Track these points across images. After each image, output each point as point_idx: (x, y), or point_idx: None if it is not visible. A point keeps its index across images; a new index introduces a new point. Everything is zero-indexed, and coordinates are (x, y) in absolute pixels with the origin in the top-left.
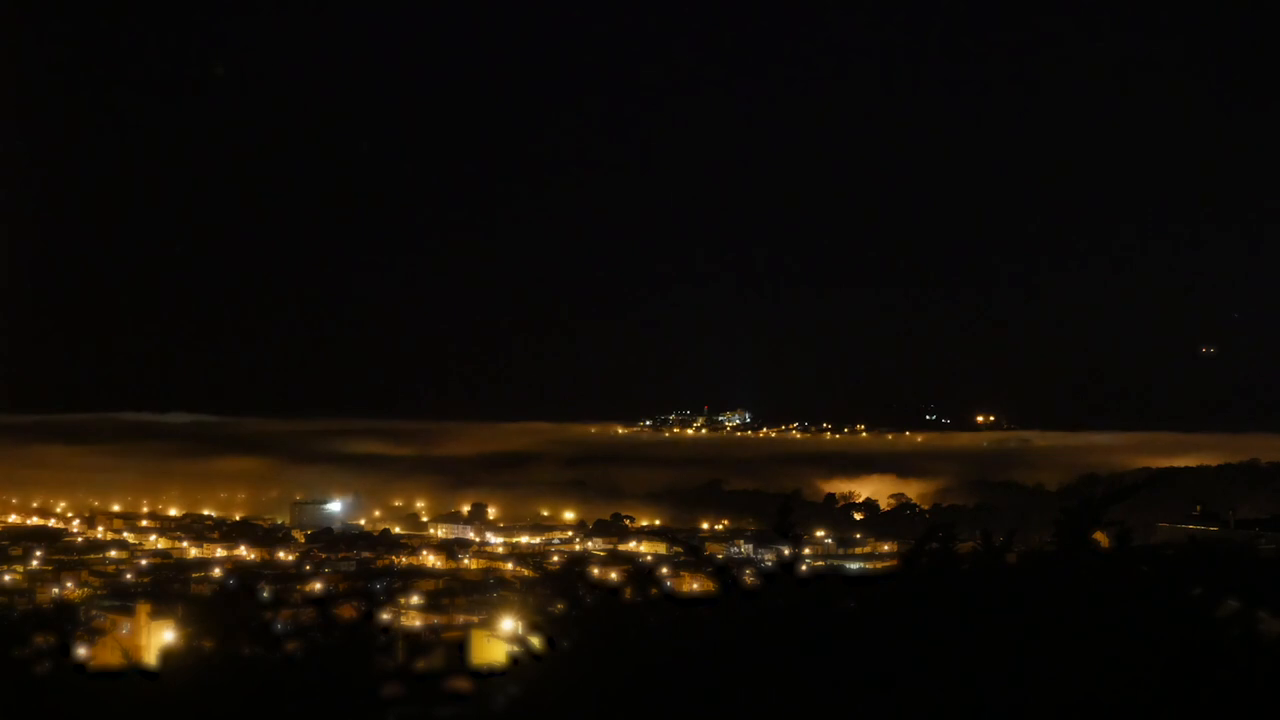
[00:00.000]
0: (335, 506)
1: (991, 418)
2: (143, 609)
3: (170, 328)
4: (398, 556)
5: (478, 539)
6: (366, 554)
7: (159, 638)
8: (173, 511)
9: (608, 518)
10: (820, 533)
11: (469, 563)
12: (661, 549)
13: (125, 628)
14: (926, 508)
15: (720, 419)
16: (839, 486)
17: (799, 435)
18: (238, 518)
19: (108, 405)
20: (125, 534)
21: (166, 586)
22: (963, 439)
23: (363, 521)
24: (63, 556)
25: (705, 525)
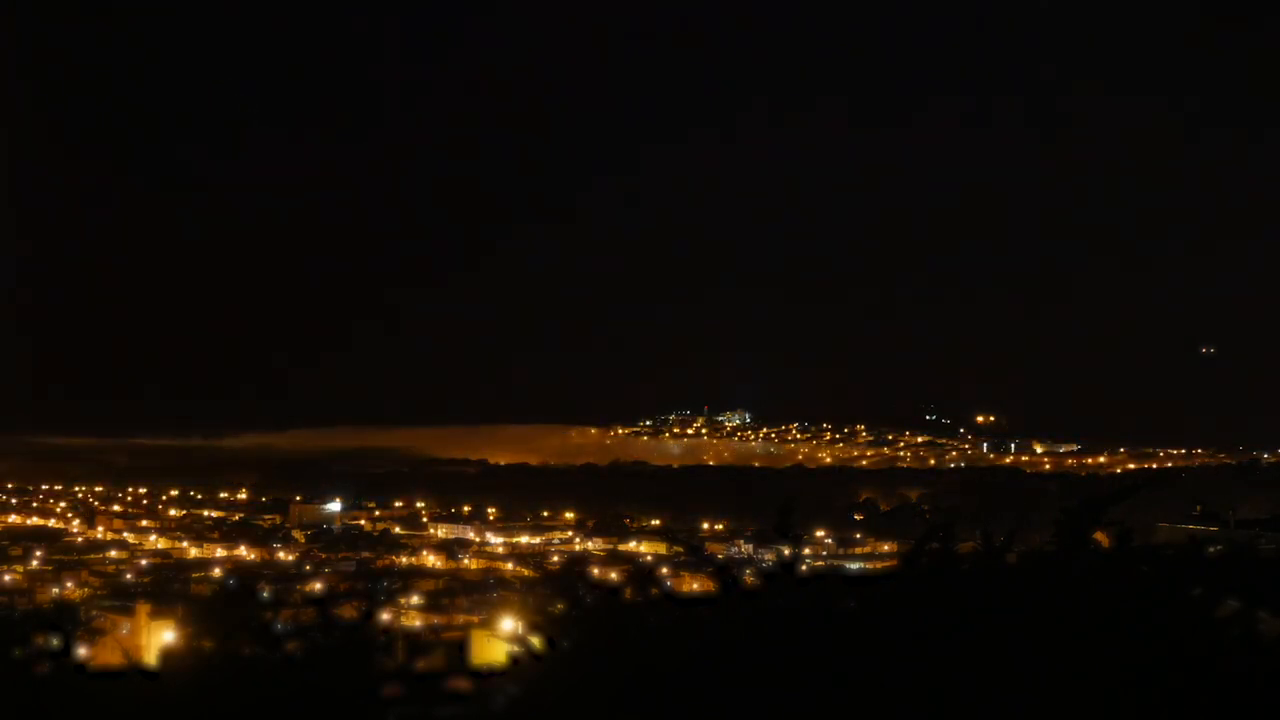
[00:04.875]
0: (335, 506)
1: (992, 418)
2: (143, 609)
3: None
4: (398, 556)
5: (478, 539)
6: (366, 554)
7: (159, 638)
8: (173, 512)
9: (608, 518)
10: (820, 533)
11: (469, 563)
12: (661, 549)
13: (125, 628)
14: (926, 508)
15: (720, 419)
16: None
17: (799, 435)
18: (237, 518)
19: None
20: (125, 534)
21: (166, 586)
22: (963, 439)
23: (363, 521)
24: (63, 556)
25: (705, 525)
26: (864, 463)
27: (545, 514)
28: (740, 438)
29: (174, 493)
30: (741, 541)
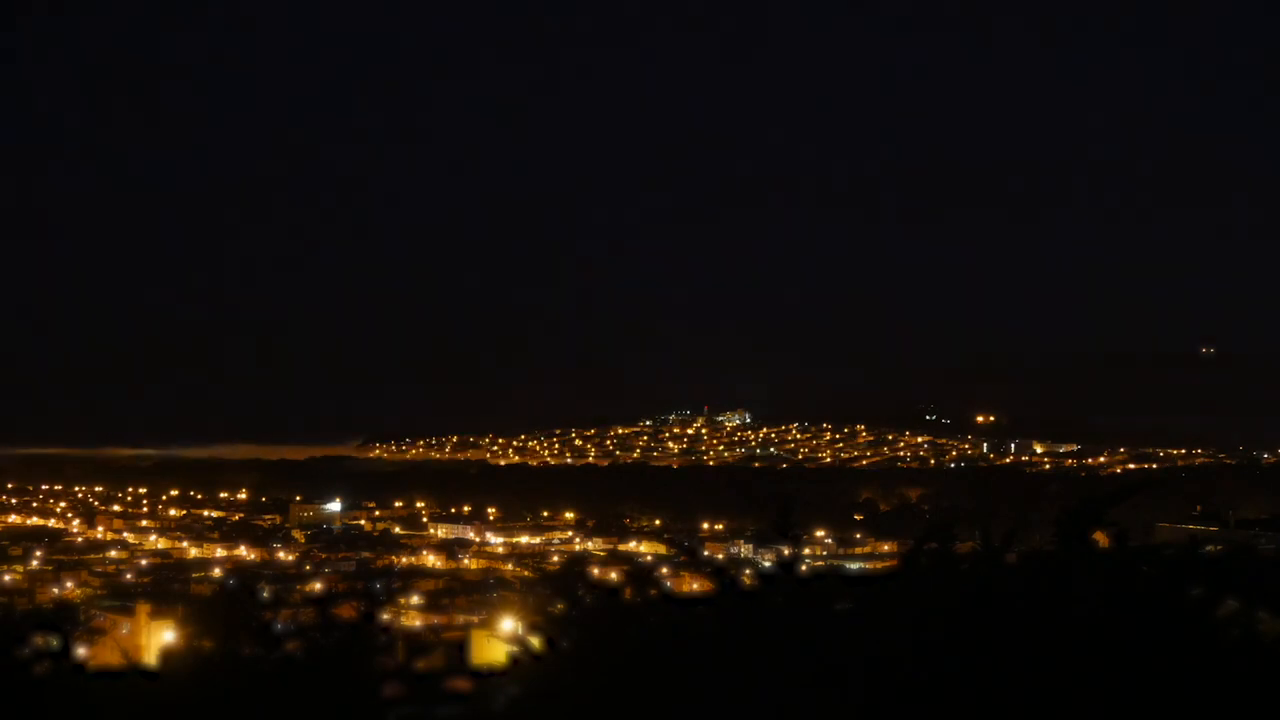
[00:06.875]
0: (335, 506)
1: (992, 418)
2: (143, 609)
3: None
4: (398, 556)
5: (478, 539)
6: (366, 554)
7: (159, 638)
8: (173, 512)
9: (608, 518)
10: (820, 533)
11: (469, 563)
12: (661, 549)
13: (125, 628)
14: (926, 508)
15: (720, 419)
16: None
17: (799, 435)
18: (237, 518)
19: None
20: (125, 534)
21: (166, 586)
22: (963, 439)
23: (363, 521)
24: (63, 556)
25: (705, 525)
26: (864, 463)
27: (545, 514)
28: (740, 438)
29: (174, 492)
30: (741, 541)
